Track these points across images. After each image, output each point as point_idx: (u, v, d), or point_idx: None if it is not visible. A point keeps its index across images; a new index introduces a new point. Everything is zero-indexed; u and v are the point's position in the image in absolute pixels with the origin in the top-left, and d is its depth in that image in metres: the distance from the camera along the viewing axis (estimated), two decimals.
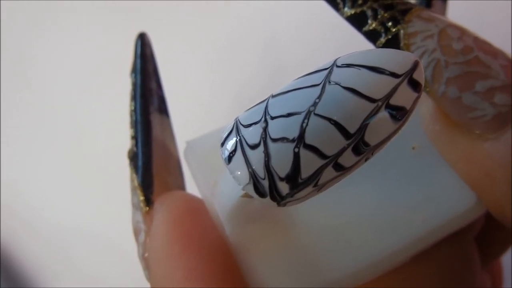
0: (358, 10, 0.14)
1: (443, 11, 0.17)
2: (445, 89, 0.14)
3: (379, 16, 0.14)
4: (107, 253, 0.45)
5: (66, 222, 0.46)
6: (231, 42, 0.36)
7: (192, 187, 0.17)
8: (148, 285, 0.16)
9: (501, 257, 0.19)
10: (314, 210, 0.15)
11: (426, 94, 0.14)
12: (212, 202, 0.15)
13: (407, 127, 0.13)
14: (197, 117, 0.36)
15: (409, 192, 0.15)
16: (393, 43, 0.14)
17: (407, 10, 0.14)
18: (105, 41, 0.41)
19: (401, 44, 0.14)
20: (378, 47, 0.14)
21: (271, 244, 0.15)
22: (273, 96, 0.13)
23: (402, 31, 0.14)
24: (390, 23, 0.14)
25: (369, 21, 0.14)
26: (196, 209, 0.15)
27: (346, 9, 0.14)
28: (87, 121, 0.43)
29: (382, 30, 0.14)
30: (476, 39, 0.14)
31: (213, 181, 0.15)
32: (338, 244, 0.15)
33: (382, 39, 0.14)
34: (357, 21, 0.14)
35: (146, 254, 0.15)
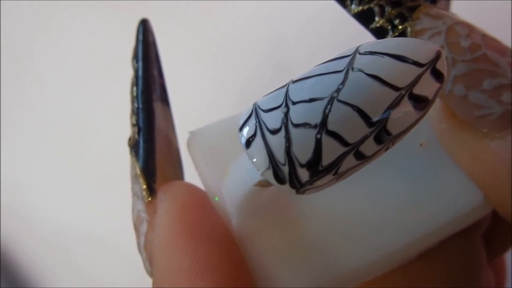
0: (366, 7, 0.14)
1: (447, 10, 0.17)
2: (452, 87, 0.14)
3: (386, 13, 0.14)
4: (107, 253, 0.45)
5: (66, 222, 0.45)
6: (234, 36, 0.36)
7: (191, 180, 0.17)
8: (148, 281, 0.16)
9: (505, 254, 0.19)
10: (321, 205, 0.15)
11: None
12: (218, 192, 0.15)
13: None
14: (198, 111, 0.35)
15: (416, 189, 0.15)
16: None
17: (415, 7, 0.14)
18: (105, 36, 0.40)
19: None
20: None
21: (277, 236, 0.15)
22: (293, 82, 0.12)
23: (409, 28, 0.14)
24: (397, 20, 0.14)
25: (376, 18, 0.14)
26: (202, 200, 0.15)
27: (353, 6, 0.14)
28: (88, 121, 0.43)
29: (389, 27, 0.14)
30: (484, 37, 0.14)
31: (217, 171, 0.15)
32: (343, 239, 0.15)
33: (389, 37, 0.14)
34: (364, 18, 0.14)
35: (148, 245, 0.15)
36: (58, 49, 0.43)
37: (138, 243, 0.16)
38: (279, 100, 0.12)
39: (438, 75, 0.12)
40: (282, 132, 0.12)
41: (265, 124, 0.12)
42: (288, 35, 0.34)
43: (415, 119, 0.12)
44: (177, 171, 0.17)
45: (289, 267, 0.14)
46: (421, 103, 0.12)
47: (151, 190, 0.15)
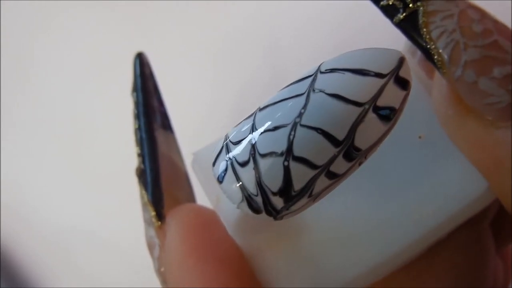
0: None
1: None
2: (462, 73, 0.13)
3: None
4: (107, 253, 0.45)
5: (66, 222, 0.46)
6: (233, 38, 0.36)
7: (203, 198, 0.17)
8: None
9: None
10: (321, 211, 0.15)
11: (442, 76, 0.14)
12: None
13: (412, 116, 0.13)
14: (202, 127, 0.36)
15: (418, 183, 0.15)
16: (411, 20, 0.13)
17: None
18: (105, 36, 0.41)
19: (420, 22, 0.13)
20: (395, 23, 0.14)
21: (282, 250, 0.15)
22: (260, 109, 0.13)
23: (421, 9, 0.13)
24: None
25: None
26: (208, 220, 0.15)
27: None
28: (88, 122, 0.43)
29: (401, 6, 0.14)
30: (496, 23, 0.13)
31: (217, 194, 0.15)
32: (347, 245, 0.15)
33: (400, 15, 0.14)
34: None
35: (162, 269, 0.15)
36: (58, 49, 0.43)
37: (154, 267, 0.16)
38: (247, 131, 0.13)
39: (402, 83, 0.12)
40: (251, 164, 0.12)
41: (235, 158, 0.13)
42: (286, 36, 0.34)
43: (384, 131, 0.12)
44: (186, 193, 0.17)
45: (296, 280, 0.14)
46: (388, 114, 0.12)
47: (160, 216, 0.16)
